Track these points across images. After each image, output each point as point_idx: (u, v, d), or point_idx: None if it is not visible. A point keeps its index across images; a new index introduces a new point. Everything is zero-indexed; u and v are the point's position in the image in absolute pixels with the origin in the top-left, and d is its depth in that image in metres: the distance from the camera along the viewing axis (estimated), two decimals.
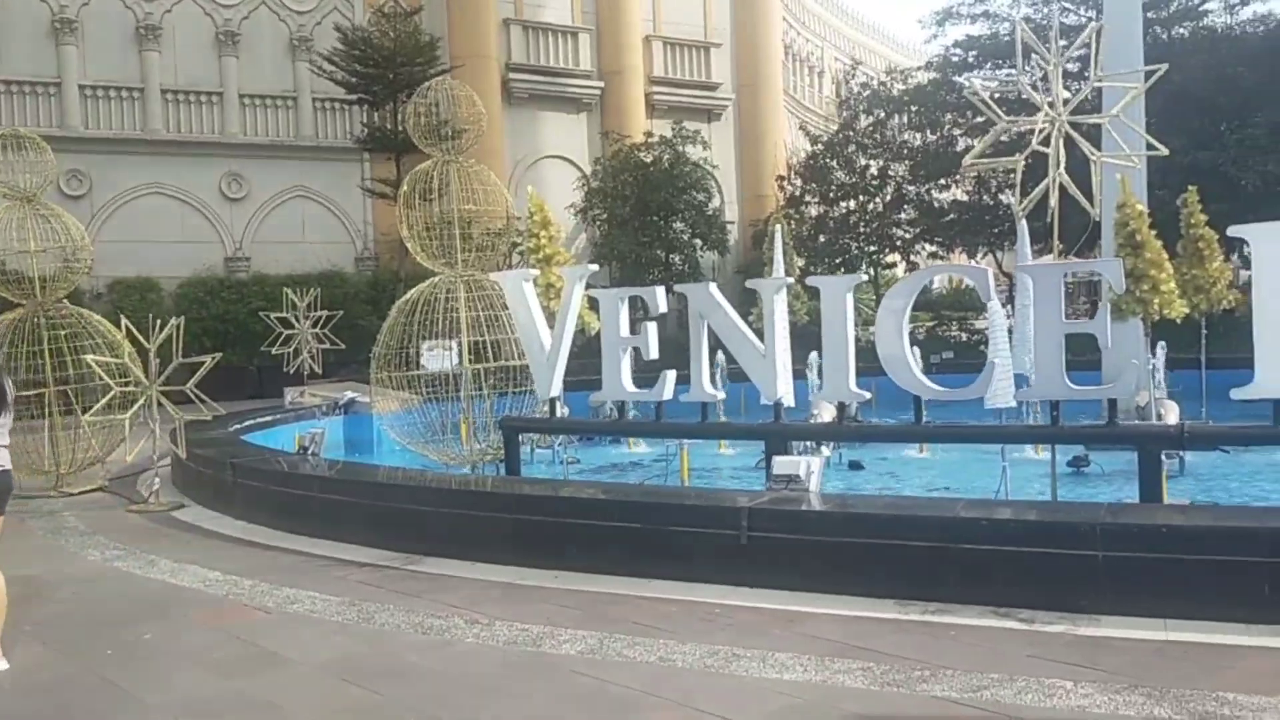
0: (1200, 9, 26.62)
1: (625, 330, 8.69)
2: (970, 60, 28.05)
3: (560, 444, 13.36)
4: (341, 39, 24.53)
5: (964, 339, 27.28)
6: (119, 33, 25.25)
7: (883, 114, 30.13)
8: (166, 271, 24.34)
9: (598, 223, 27.01)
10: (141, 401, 10.12)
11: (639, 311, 9.93)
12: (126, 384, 10.24)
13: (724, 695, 4.32)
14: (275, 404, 16.28)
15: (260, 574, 6.92)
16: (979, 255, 28.86)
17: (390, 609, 5.91)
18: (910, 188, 29.53)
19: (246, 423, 13.40)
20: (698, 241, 27.33)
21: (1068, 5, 27.53)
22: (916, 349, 11.79)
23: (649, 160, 26.79)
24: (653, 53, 31.29)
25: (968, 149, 10.75)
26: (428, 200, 11.19)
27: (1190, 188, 12.92)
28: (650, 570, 6.28)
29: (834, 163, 30.16)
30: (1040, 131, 9.14)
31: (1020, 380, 7.88)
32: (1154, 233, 11.35)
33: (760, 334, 8.13)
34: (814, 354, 9.81)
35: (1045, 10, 26.49)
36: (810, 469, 6.93)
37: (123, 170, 24.97)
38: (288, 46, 26.95)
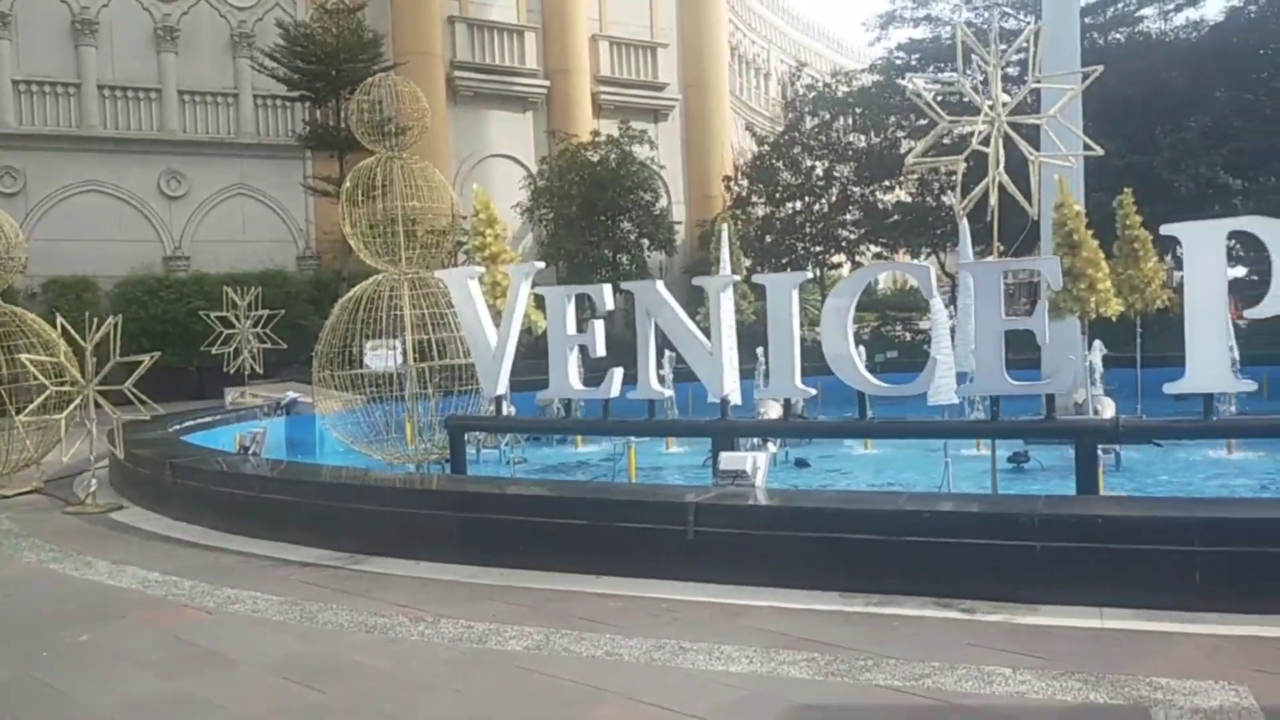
0: (1135, 15, 27.23)
1: (572, 328, 8.69)
2: (913, 63, 28.44)
3: (507, 443, 13.32)
4: (283, 35, 24.24)
5: (908, 338, 27.65)
6: (54, 27, 24.74)
7: (828, 116, 30.44)
8: (104, 271, 23.89)
9: (544, 222, 26.96)
10: (78, 401, 9.91)
11: (586, 311, 9.94)
12: (62, 384, 10.02)
13: (670, 688, 4.33)
14: (216, 404, 16.06)
15: (200, 574, 6.81)
16: (923, 256, 29.28)
17: (334, 608, 5.85)
18: (855, 189, 29.87)
19: (186, 423, 13.19)
20: (645, 241, 27.41)
21: (1008, 10, 28.04)
22: (862, 348, 11.93)
23: (596, 160, 26.80)
24: (599, 52, 31.30)
25: (911, 151, 10.88)
26: (371, 197, 11.09)
27: (1126, 189, 13.22)
28: (597, 567, 6.28)
29: (780, 164, 30.44)
30: (980, 132, 9.28)
31: (962, 378, 7.99)
32: (1091, 233, 11.61)
33: (708, 332, 8.17)
34: (760, 349, 9.88)
35: (986, 15, 26.93)
36: (757, 465, 6.98)
37: (58, 167, 24.47)
38: (228, 43, 26.57)
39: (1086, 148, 10.63)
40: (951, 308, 14.50)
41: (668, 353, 10.73)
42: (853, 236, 30.10)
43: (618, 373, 8.37)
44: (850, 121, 30.28)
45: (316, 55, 23.77)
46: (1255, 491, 10.01)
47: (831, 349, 7.57)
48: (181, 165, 25.80)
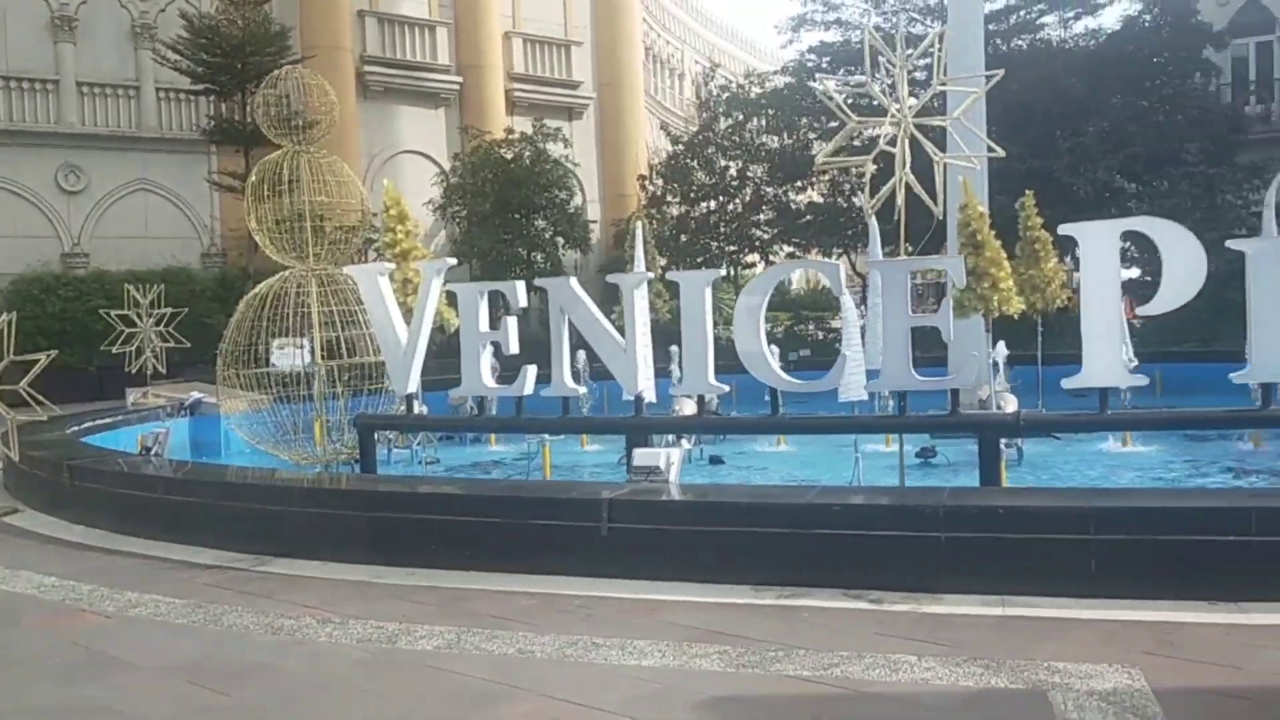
0: (1037, 23, 28.02)
1: (485, 325, 8.61)
2: (824, 66, 28.85)
3: (419, 443, 13.16)
4: (187, 27, 23.59)
5: (821, 337, 28.04)
6: None
7: (741, 116, 30.71)
8: None
9: (457, 219, 26.70)
10: None
11: (500, 309, 9.87)
12: None
13: (582, 683, 4.33)
14: (117, 405, 15.59)
15: (100, 578, 6.60)
16: (835, 256, 29.73)
17: (239, 610, 5.72)
18: (768, 189, 30.19)
19: (85, 424, 12.77)
20: (560, 239, 27.31)
21: (915, 16, 28.64)
22: (775, 347, 12.06)
23: (510, 157, 26.62)
24: (513, 49, 31.12)
25: (822, 151, 11.11)
26: (278, 193, 10.86)
27: (1028, 192, 13.59)
28: (510, 565, 6.25)
29: (694, 163, 30.60)
30: (887, 134, 9.48)
31: (872, 374, 8.14)
32: (994, 234, 11.90)
33: (623, 330, 8.18)
34: (674, 347, 9.94)
35: (894, 20, 27.46)
36: (670, 461, 7.01)
37: None
38: (129, 34, 25.75)
39: (989, 150, 10.95)
40: (862, 307, 14.75)
41: (582, 350, 10.73)
42: (766, 236, 30.41)
43: (531, 370, 8.33)
44: (763, 122, 30.58)
45: (221, 48, 23.17)
46: (1147, 482, 10.40)
47: (744, 346, 7.65)
48: (80, 159, 24.93)
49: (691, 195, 30.49)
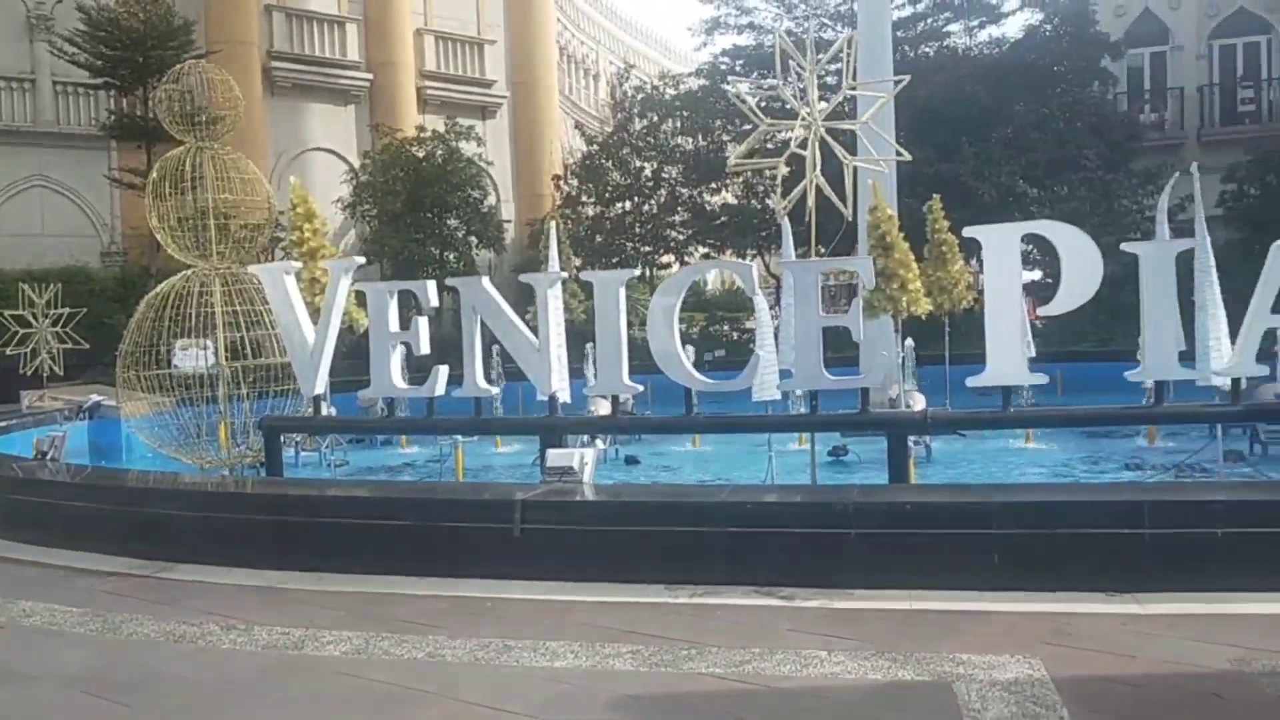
0: (943, 30, 28.64)
1: (395, 325, 8.49)
2: (737, 69, 29.08)
3: (327, 445, 12.94)
4: (85, 19, 22.79)
5: (736, 338, 28.28)
6: None
7: (656, 118, 30.79)
8: None
9: (367, 218, 26.29)
10: None
11: (412, 309, 9.75)
12: None
13: (493, 686, 4.29)
14: (11, 409, 15.02)
15: None
16: (749, 257, 29.97)
17: (139, 618, 5.54)
18: (683, 190, 30.30)
19: None
20: (473, 239, 27.06)
21: (826, 21, 29.05)
22: (690, 347, 12.13)
23: (421, 155, 26.29)
24: (424, 47, 30.75)
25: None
26: (180, 190, 10.56)
27: (935, 195, 13.89)
28: (421, 568, 6.16)
29: (609, 164, 30.58)
30: (798, 137, 9.59)
31: (786, 374, 8.23)
32: (903, 236, 12.14)
33: (536, 331, 8.13)
34: (589, 345, 9.93)
35: (805, 25, 27.83)
36: (584, 461, 6.99)
37: None
38: (24, 25, 24.80)
39: (898, 154, 11.14)
40: (776, 308, 14.89)
41: (496, 350, 10.65)
42: (681, 237, 30.54)
43: (442, 370, 8.24)
44: (678, 124, 30.69)
45: (121, 40, 22.42)
46: (1048, 478, 10.71)
47: (659, 346, 7.67)
48: None
49: (607, 196, 30.47)
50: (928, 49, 27.81)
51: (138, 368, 10.51)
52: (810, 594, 5.35)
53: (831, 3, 29.72)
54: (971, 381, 7.29)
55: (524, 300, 10.98)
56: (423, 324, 8.34)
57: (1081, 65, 25.98)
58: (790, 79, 10.70)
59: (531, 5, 33.44)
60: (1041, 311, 7.53)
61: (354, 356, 10.65)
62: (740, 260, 28.32)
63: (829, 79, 18.74)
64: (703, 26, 31.06)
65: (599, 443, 11.75)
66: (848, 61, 10.37)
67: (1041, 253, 19.32)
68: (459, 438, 11.16)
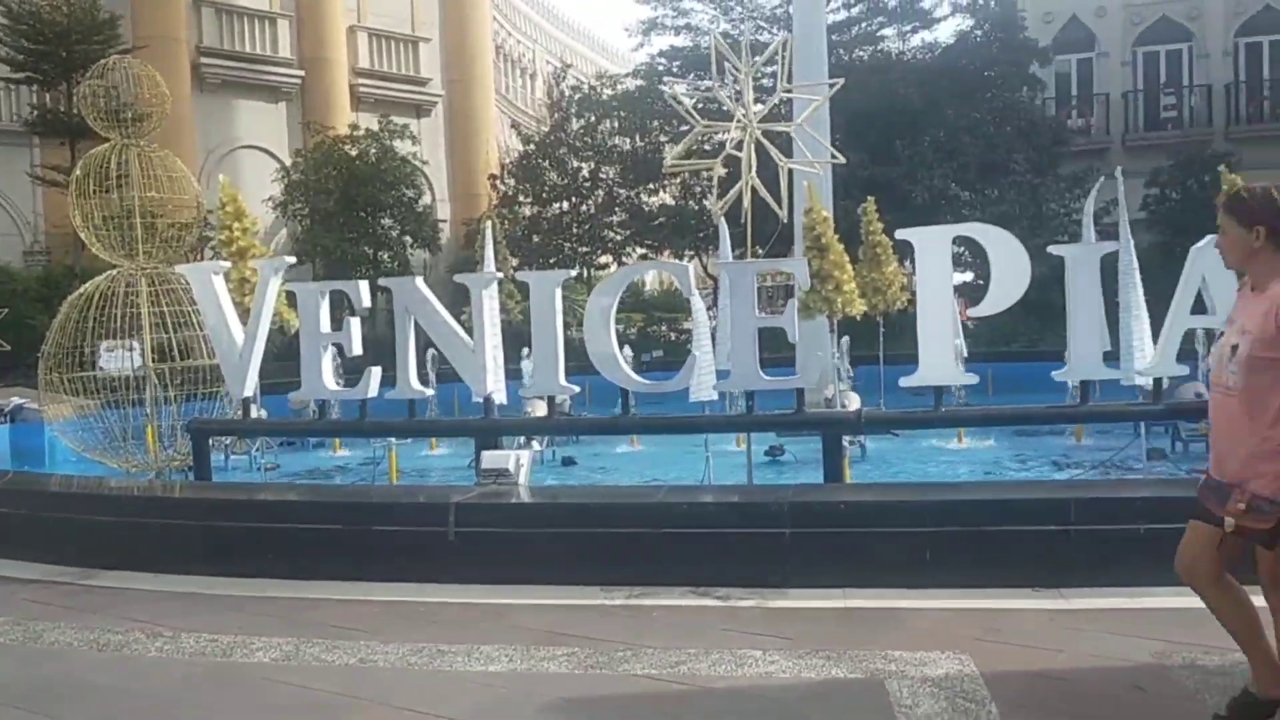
0: (877, 35, 29.00)
1: (326, 326, 8.35)
2: (674, 70, 29.16)
3: (258, 449, 12.71)
4: (6, 12, 22.14)
5: (674, 339, 28.33)
6: None
7: (593, 118, 30.73)
8: None
9: (299, 217, 25.88)
10: None
11: (345, 309, 9.61)
12: None
13: (426, 691, 4.24)
14: None
15: None
16: (686, 258, 30.06)
17: (62, 626, 5.39)
18: (621, 191, 30.29)
19: None
20: (408, 239, 26.79)
21: (762, 24, 29.25)
22: (628, 348, 12.12)
23: (354, 154, 25.96)
24: (358, 43, 30.38)
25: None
26: (105, 188, 10.31)
27: (869, 198, 14.05)
28: (354, 573, 6.07)
29: (546, 164, 30.45)
30: (734, 138, 9.65)
31: (723, 374, 8.26)
32: (838, 237, 12.25)
33: (472, 331, 8.06)
34: (525, 348, 9.88)
35: (742, 27, 27.99)
36: (520, 463, 6.95)
37: None
38: None
39: (832, 156, 11.28)
40: (713, 309, 14.95)
41: (431, 351, 10.54)
42: (619, 238, 30.53)
43: (375, 372, 8.12)
44: (615, 124, 30.68)
45: (44, 35, 21.84)
46: (978, 476, 10.89)
47: (596, 347, 7.64)
48: None
49: (544, 196, 30.35)
50: (862, 53, 28.13)
51: (61, 370, 10.25)
52: (746, 594, 5.37)
53: (767, 5, 29.93)
54: (904, 381, 7.37)
55: (460, 301, 10.88)
56: (355, 325, 8.22)
57: (1011, 71, 26.47)
58: (726, 80, 10.77)
59: (467, 3, 33.20)
60: (972, 312, 7.65)
61: (285, 358, 10.47)
62: (677, 261, 28.39)
63: (765, 81, 18.87)
64: (640, 27, 31.12)
65: (535, 444, 11.70)
66: (783, 64, 10.46)
67: (973, 255, 19.64)
68: (392, 440, 11.03)
